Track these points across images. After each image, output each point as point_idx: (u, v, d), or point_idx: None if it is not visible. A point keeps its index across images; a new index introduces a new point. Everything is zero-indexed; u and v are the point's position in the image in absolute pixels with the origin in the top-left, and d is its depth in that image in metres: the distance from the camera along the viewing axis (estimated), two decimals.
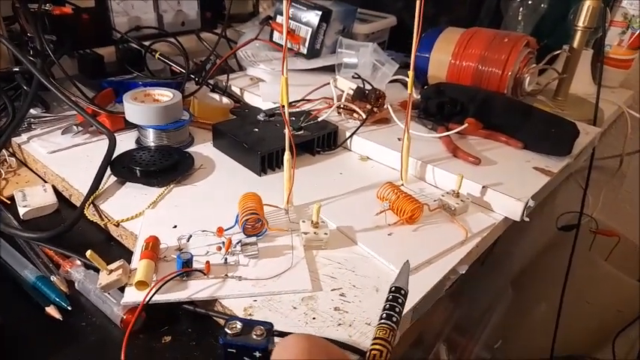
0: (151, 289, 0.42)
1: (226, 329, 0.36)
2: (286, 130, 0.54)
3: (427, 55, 0.87)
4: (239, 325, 0.36)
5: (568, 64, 0.89)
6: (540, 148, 0.68)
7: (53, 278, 0.48)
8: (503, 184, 0.59)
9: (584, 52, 0.89)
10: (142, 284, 0.43)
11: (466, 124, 0.70)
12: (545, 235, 1.07)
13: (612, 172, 1.10)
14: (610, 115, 0.94)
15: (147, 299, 0.41)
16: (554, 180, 0.64)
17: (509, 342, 1.07)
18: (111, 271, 0.44)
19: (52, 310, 0.45)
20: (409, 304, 0.45)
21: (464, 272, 0.51)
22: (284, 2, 0.48)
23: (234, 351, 0.36)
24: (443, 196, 0.58)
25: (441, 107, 0.74)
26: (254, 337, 0.36)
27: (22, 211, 0.58)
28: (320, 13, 0.93)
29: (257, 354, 0.35)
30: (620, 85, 1.06)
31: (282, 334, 0.39)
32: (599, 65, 0.86)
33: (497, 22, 1.07)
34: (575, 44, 0.86)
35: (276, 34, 0.98)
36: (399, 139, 0.68)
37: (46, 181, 0.65)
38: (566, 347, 1.10)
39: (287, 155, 0.55)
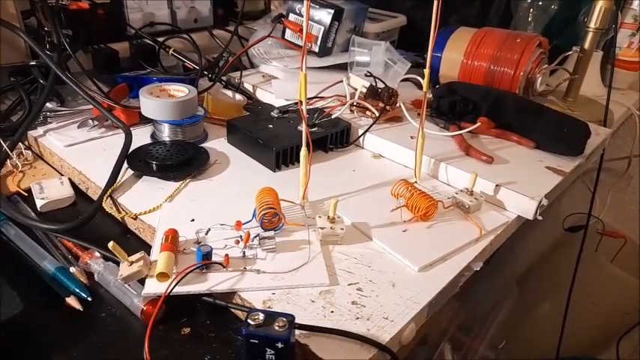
0: (173, 281, 0.43)
1: (249, 320, 0.36)
2: (303, 126, 0.54)
3: (439, 54, 0.87)
4: (261, 316, 0.37)
5: (579, 65, 0.89)
6: (552, 147, 0.68)
7: (72, 269, 0.48)
8: (516, 183, 0.60)
9: (593, 53, 0.89)
10: (162, 276, 0.43)
11: (479, 123, 0.70)
12: (550, 235, 1.07)
13: (619, 173, 1.10)
14: (619, 116, 0.94)
15: (168, 290, 0.42)
16: (567, 179, 0.64)
17: (514, 342, 1.08)
18: (132, 263, 0.45)
19: (72, 301, 0.46)
20: (425, 299, 0.45)
21: (478, 269, 0.51)
22: (304, 1, 0.48)
23: (256, 342, 0.36)
24: (457, 193, 0.59)
25: (453, 106, 0.75)
26: (276, 328, 0.36)
27: (39, 203, 0.58)
28: (332, 11, 0.94)
29: (279, 345, 0.36)
30: (629, 87, 1.06)
31: (303, 327, 0.40)
32: (609, 67, 0.86)
33: (507, 22, 1.08)
34: (587, 45, 0.87)
35: (288, 32, 0.98)
36: (412, 137, 0.68)
37: (62, 174, 0.65)
38: (571, 348, 1.11)
39: (303, 151, 0.55)
